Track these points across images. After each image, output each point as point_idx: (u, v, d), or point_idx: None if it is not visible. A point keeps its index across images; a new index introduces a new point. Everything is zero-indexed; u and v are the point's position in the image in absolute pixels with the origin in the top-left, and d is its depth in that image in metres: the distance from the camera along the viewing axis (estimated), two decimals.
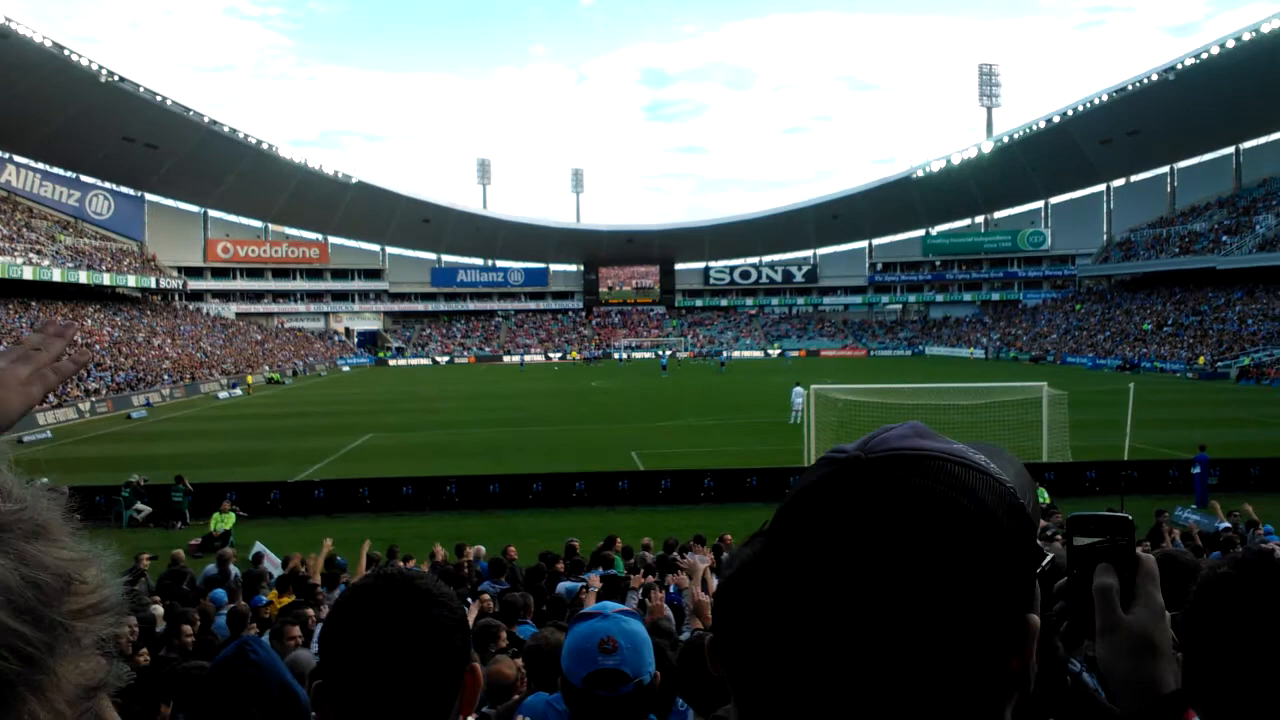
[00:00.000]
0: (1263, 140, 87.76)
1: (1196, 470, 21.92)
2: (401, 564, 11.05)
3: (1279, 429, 32.43)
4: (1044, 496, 19.72)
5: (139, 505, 22.41)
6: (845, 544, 0.81)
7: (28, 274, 64.11)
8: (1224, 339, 68.67)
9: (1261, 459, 23.85)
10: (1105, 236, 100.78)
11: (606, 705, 2.23)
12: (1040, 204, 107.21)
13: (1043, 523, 15.41)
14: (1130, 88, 79.98)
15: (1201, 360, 64.16)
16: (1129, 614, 1.24)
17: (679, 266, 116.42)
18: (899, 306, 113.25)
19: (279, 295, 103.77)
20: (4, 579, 0.59)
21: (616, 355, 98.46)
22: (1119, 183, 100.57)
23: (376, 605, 1.36)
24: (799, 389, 33.68)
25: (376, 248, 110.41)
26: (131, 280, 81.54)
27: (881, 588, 0.80)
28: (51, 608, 0.60)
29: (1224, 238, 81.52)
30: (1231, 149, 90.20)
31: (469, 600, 9.08)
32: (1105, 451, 25.22)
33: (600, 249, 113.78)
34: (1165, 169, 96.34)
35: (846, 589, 0.81)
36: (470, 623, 7.08)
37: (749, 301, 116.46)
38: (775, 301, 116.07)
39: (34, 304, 63.70)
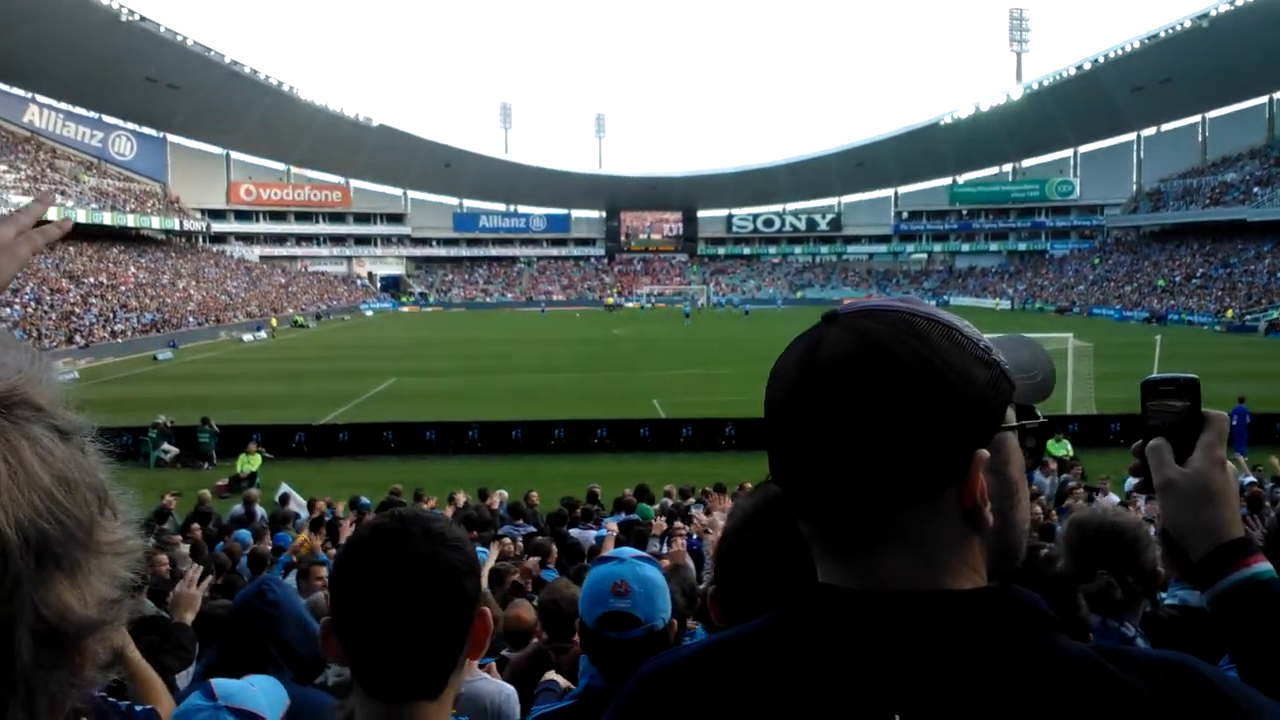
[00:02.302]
0: None
1: (1234, 422, 21.82)
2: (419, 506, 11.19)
3: None
4: (1067, 448, 19.70)
5: (166, 446, 22.69)
6: (802, 373, 0.93)
7: (52, 214, 63.89)
8: (1253, 292, 67.80)
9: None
10: (1135, 186, 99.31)
11: (615, 647, 2.26)
12: (1069, 153, 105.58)
13: (1068, 477, 15.40)
14: (1164, 34, 78.39)
15: (1230, 313, 63.43)
16: (1186, 466, 1.28)
17: (702, 214, 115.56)
18: (924, 256, 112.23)
19: (302, 238, 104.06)
20: (50, 448, 0.61)
21: (640, 303, 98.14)
22: (1150, 132, 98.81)
23: (387, 545, 1.37)
24: None
25: (399, 191, 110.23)
26: (155, 222, 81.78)
27: (826, 409, 0.90)
28: (81, 514, 0.60)
29: (1256, 189, 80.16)
30: (1265, 99, 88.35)
31: (488, 544, 9.20)
32: (1130, 404, 24.35)
33: (623, 195, 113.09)
34: (1197, 118, 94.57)
35: (799, 409, 0.92)
36: (490, 565, 7.17)
37: (772, 250, 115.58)
38: (799, 250, 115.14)
39: (59, 245, 63.99)
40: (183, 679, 3.42)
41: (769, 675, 0.92)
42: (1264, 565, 1.28)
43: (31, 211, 1.41)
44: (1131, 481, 1.37)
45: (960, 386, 0.92)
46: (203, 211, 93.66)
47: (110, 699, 2.58)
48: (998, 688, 0.86)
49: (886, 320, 0.94)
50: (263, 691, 2.18)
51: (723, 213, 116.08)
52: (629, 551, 2.45)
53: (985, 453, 0.92)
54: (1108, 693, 0.85)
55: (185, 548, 9.73)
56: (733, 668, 0.95)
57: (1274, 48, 74.40)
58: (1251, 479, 14.79)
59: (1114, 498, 13.26)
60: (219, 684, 2.15)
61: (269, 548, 9.91)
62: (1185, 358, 36.69)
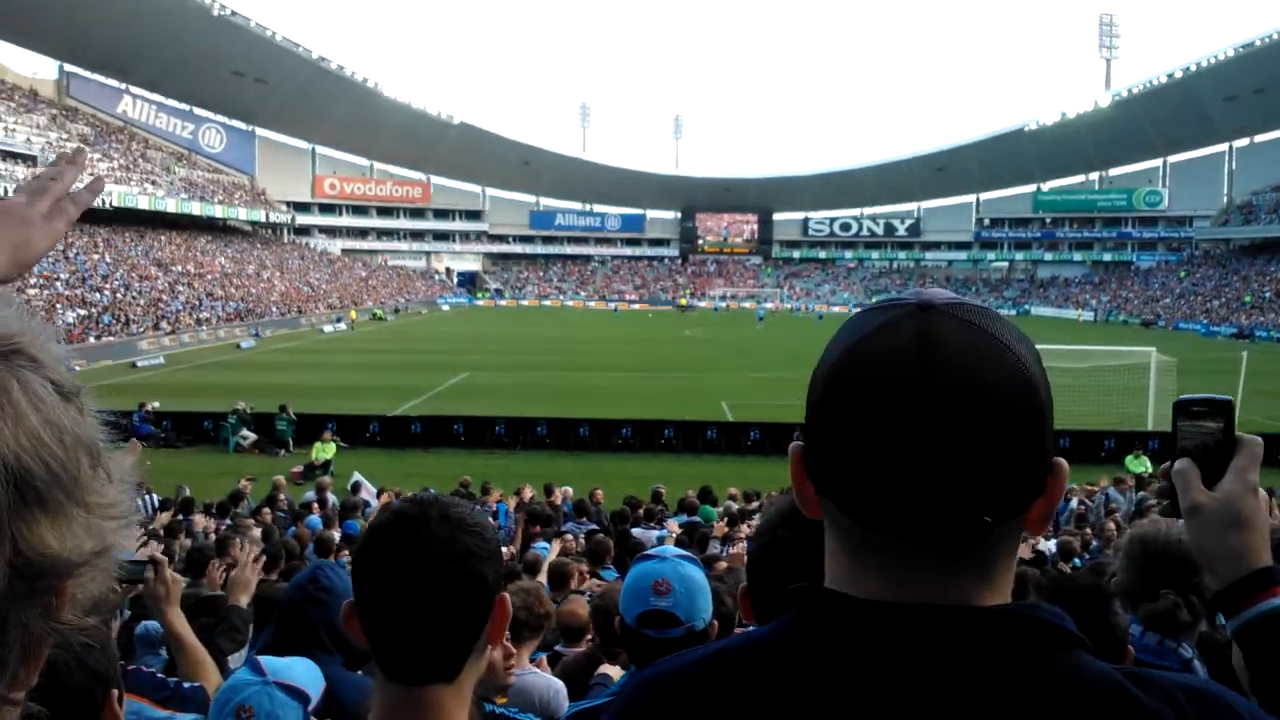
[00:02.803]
0: None
1: None
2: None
3: None
4: (1146, 465, 19.17)
5: (245, 431, 23.22)
6: (926, 365, 0.84)
7: (143, 204, 66.30)
8: None
9: None
10: (1225, 198, 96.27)
11: (654, 646, 2.25)
12: (1158, 162, 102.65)
13: (1146, 494, 14.99)
14: (1258, 43, 75.93)
15: None
16: (1215, 490, 1.25)
17: (777, 216, 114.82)
18: (1005, 264, 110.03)
19: (383, 233, 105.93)
20: (42, 395, 0.61)
21: (712, 305, 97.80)
22: (1242, 143, 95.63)
23: (406, 528, 1.38)
24: None
25: (477, 189, 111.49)
26: (242, 213, 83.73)
27: (957, 407, 0.83)
28: (68, 461, 0.61)
29: None
30: None
31: (550, 540, 9.24)
32: None
33: (698, 197, 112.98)
34: None
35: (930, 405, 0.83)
36: (550, 560, 7.20)
37: (848, 254, 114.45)
38: (875, 255, 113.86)
39: (148, 233, 66.00)
40: (235, 661, 3.49)
41: (778, 689, 0.88)
42: None
43: (66, 178, 1.34)
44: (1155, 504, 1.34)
45: (1048, 390, 0.88)
46: (288, 204, 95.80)
47: (160, 675, 2.65)
48: (1017, 710, 0.83)
49: (990, 316, 0.88)
50: (305, 670, 2.23)
51: (799, 216, 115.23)
52: (671, 550, 2.44)
53: (1065, 462, 0.89)
54: (1127, 717, 0.83)
55: (257, 531, 9.93)
56: (740, 678, 0.91)
57: None
58: None
59: None
60: (267, 661, 2.21)
61: (337, 535, 10.08)
62: (1273, 375, 35.46)
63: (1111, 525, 11.10)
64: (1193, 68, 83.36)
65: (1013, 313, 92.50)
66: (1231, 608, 1.26)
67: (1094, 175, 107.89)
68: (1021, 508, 0.87)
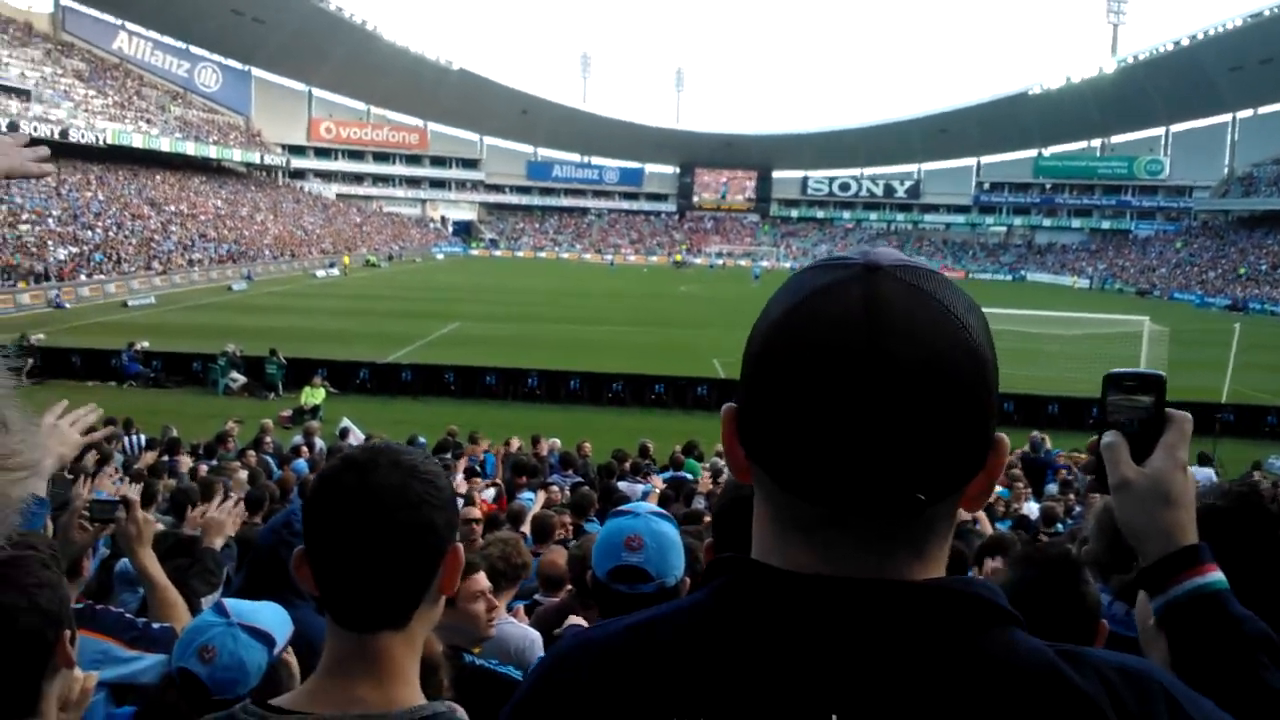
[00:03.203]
0: None
1: None
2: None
3: None
4: None
5: (234, 374, 23.17)
6: (875, 330, 0.79)
7: (137, 142, 65.72)
8: None
9: None
10: (1227, 169, 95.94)
11: (625, 601, 2.24)
12: (1160, 131, 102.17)
13: None
14: (1267, 13, 75.32)
15: None
16: (1145, 466, 1.23)
17: (776, 174, 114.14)
18: (1003, 229, 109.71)
19: (378, 179, 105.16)
20: None
21: (708, 262, 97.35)
22: (1246, 114, 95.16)
23: (355, 475, 1.37)
24: None
25: (475, 137, 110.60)
26: (237, 155, 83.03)
27: (904, 378, 0.79)
28: None
29: None
30: None
31: (536, 490, 9.25)
32: (1203, 392, 24.38)
33: (698, 152, 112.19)
34: None
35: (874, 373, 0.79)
36: (535, 511, 7.20)
37: (846, 215, 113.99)
38: (874, 216, 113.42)
39: (142, 172, 65.43)
40: (209, 603, 3.49)
41: (699, 661, 0.85)
42: (1216, 575, 1.23)
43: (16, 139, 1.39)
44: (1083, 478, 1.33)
45: (995, 363, 0.84)
46: (283, 147, 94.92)
47: (128, 616, 2.63)
48: (944, 688, 0.81)
49: (939, 281, 0.84)
50: (271, 614, 2.21)
51: (798, 174, 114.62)
52: (645, 506, 2.43)
53: (1006, 439, 0.86)
54: (1058, 698, 0.81)
55: (243, 474, 9.93)
56: (662, 649, 0.88)
57: None
58: None
59: None
60: (232, 603, 2.20)
61: None
62: (1264, 348, 35.57)
63: (1071, 495, 11.22)
64: (1200, 36, 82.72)
65: (1009, 278, 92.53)
66: (1157, 586, 1.25)
67: (1095, 142, 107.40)
68: (960, 484, 0.84)
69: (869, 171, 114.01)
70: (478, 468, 11.87)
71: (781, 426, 0.82)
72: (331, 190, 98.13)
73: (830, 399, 0.79)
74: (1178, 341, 28.40)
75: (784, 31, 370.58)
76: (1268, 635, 1.22)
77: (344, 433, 15.76)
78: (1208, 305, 67.32)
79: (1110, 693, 0.83)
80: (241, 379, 23.17)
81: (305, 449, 13.50)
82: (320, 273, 60.55)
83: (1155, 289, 78.09)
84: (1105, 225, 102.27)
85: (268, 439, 14.13)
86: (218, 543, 3.50)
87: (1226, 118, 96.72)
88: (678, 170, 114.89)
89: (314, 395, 20.80)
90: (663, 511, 2.39)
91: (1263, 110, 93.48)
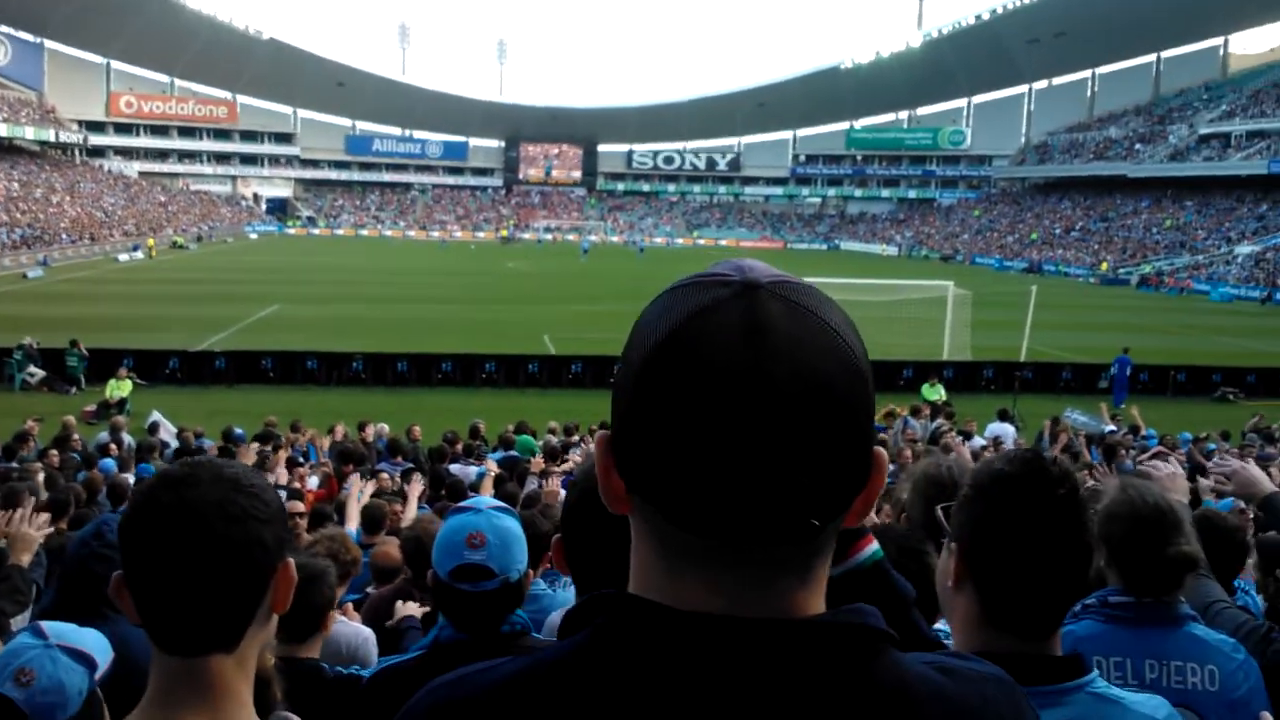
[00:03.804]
0: (1183, 50, 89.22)
1: (1114, 371, 22.86)
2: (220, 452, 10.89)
3: (1168, 335, 33.78)
4: (941, 393, 20.27)
5: (31, 369, 21.73)
6: (756, 352, 0.77)
7: None
8: (1129, 246, 70.67)
9: (1149, 366, 24.85)
10: (1023, 139, 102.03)
11: (469, 600, 2.23)
12: (963, 102, 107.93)
13: (942, 421, 15.85)
14: None
15: (1105, 266, 66.01)
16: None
17: (602, 148, 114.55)
18: (819, 200, 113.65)
19: (184, 155, 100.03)
20: None
21: (536, 237, 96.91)
22: (1041, 85, 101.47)
23: (173, 492, 1.30)
24: None
25: (288, 110, 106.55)
26: (29, 132, 78.18)
27: (787, 400, 0.76)
28: None
29: (1138, 145, 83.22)
30: (1153, 56, 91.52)
31: (367, 477, 9.00)
32: (1004, 351, 25.91)
33: (523, 125, 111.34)
34: (1087, 73, 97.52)
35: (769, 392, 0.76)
36: (364, 502, 7.02)
37: (671, 188, 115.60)
38: (698, 189, 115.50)
39: None
40: (20, 624, 3.26)
41: (592, 716, 0.80)
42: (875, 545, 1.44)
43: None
44: None
45: (872, 378, 0.83)
46: (80, 123, 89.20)
47: None
48: None
49: (817, 297, 0.82)
50: (94, 639, 2.12)
51: (623, 148, 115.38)
52: (486, 501, 2.39)
53: (884, 452, 0.85)
54: (951, 715, 0.85)
55: (41, 477, 9.26)
56: (543, 704, 0.82)
57: (1164, 7, 76.87)
58: (1111, 428, 15.49)
59: (980, 440, 13.72)
60: (49, 625, 2.08)
61: (132, 479, 9.53)
62: (1059, 307, 38.08)
63: (909, 452, 11.65)
64: (999, 9, 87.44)
65: (824, 248, 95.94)
66: (838, 557, 1.38)
67: (904, 114, 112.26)
68: (846, 504, 0.82)
69: (692, 145, 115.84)
70: (300, 458, 11.47)
71: (667, 458, 0.78)
72: (134, 168, 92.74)
73: (719, 427, 0.76)
74: (979, 304, 30.01)
75: (607, 3, 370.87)
76: (913, 594, 1.51)
77: (154, 427, 14.94)
78: (1006, 269, 71.56)
79: (985, 700, 0.88)
80: (40, 373, 21.73)
81: (113, 446, 12.71)
82: (123, 256, 57.50)
83: (958, 254, 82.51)
84: (912, 194, 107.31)
85: (73, 437, 13.27)
86: (25, 559, 3.26)
87: (1023, 89, 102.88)
88: (503, 144, 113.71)
89: (120, 388, 19.71)
90: (504, 505, 2.37)
91: (1057, 81, 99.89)
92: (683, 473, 0.77)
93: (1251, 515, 5.18)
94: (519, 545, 2.30)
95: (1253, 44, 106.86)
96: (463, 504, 2.42)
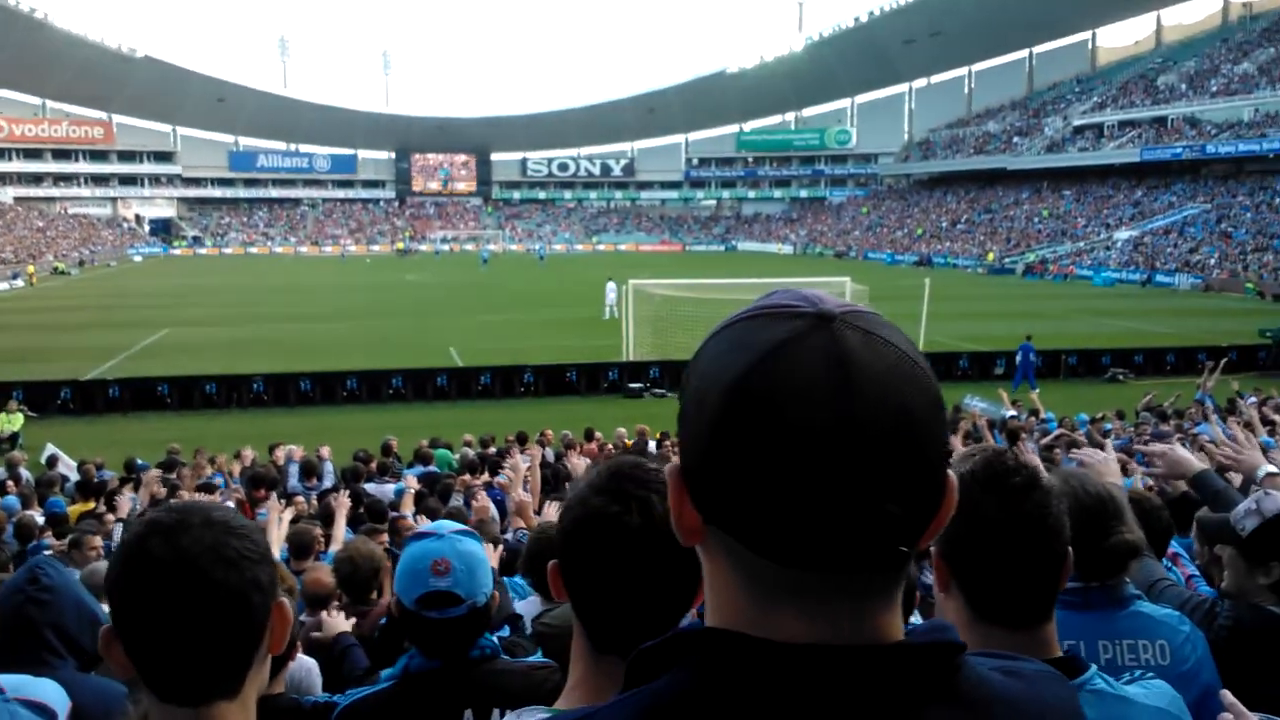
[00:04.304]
0: (1054, 45, 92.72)
1: (1019, 358, 23.54)
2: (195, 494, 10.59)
3: (1058, 320, 35.03)
4: None
5: None
6: (848, 393, 0.77)
7: None
8: (1012, 236, 73.06)
9: (1042, 351, 25.72)
10: (906, 136, 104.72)
11: (437, 627, 2.21)
12: (847, 102, 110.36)
13: None
14: None
15: (991, 256, 68.11)
16: None
17: (495, 157, 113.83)
18: (713, 202, 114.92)
19: (60, 178, 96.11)
20: None
21: (434, 249, 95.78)
22: (920, 83, 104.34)
23: (166, 539, 1.28)
24: (611, 284, 34.08)
25: (167, 128, 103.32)
26: None
27: (879, 436, 0.77)
28: None
29: (1015, 139, 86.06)
30: (1025, 52, 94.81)
31: (282, 501, 8.80)
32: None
33: (413, 136, 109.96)
34: (964, 71, 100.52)
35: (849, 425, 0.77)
36: (285, 527, 6.86)
37: (567, 195, 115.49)
38: (594, 195, 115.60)
39: None
40: None
41: None
42: None
43: None
44: None
45: (944, 404, 0.86)
46: None
47: None
48: None
49: (889, 327, 0.83)
50: (52, 689, 2.05)
51: (517, 156, 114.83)
52: (448, 525, 2.38)
53: (954, 476, 0.85)
54: (1035, 715, 0.88)
55: None
56: None
57: (1033, 3, 79.85)
58: (1012, 413, 16.00)
59: None
60: (5, 678, 1.99)
61: (38, 515, 9.17)
62: (951, 298, 39.15)
63: None
64: (876, 12, 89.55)
65: (722, 249, 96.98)
66: None
67: (790, 116, 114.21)
68: (925, 529, 0.83)
69: (586, 151, 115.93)
70: (212, 484, 11.14)
71: (756, 494, 0.78)
72: (8, 194, 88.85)
73: (810, 464, 0.76)
74: (876, 298, 30.62)
75: (492, 12, 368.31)
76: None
77: (52, 460, 14.37)
78: (898, 262, 73.36)
79: (1049, 701, 0.90)
80: None
81: (11, 483, 12.20)
82: (3, 285, 55.06)
83: (851, 250, 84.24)
84: (803, 194, 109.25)
85: None
86: None
87: (904, 88, 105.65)
88: (394, 155, 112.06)
89: (11, 421, 18.90)
90: (466, 528, 2.36)
91: (936, 79, 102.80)
92: (773, 508, 0.78)
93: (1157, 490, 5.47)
94: (484, 569, 2.29)
95: (1118, 38, 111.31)
96: (424, 529, 2.39)
